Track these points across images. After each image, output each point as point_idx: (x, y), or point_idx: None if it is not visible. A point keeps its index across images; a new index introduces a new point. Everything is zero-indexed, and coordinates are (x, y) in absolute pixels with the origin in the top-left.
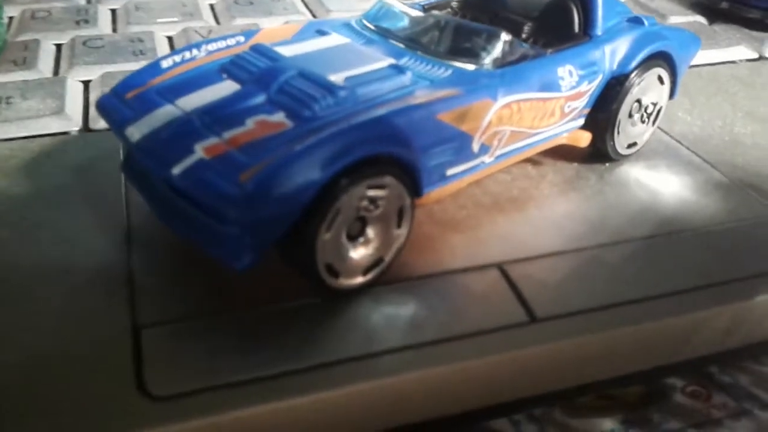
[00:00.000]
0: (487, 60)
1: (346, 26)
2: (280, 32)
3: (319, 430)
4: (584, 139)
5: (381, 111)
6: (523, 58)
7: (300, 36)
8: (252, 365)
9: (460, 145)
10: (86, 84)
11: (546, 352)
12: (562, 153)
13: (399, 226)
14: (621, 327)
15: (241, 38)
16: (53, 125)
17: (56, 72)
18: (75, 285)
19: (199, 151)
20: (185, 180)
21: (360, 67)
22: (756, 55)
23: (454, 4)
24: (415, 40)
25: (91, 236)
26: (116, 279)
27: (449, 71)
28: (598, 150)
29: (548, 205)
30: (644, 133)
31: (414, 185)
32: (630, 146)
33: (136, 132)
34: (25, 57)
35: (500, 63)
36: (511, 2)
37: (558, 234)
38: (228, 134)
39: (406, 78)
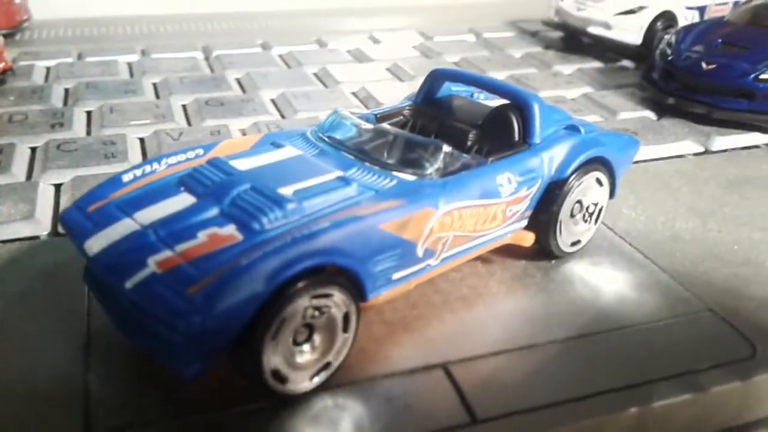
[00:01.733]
0: (429, 170)
1: (302, 136)
2: (238, 144)
3: None
4: (528, 239)
5: (325, 224)
6: (465, 167)
7: (256, 149)
8: None
9: (403, 252)
10: (57, 187)
11: None
12: (511, 250)
13: (345, 330)
14: (558, 426)
15: (201, 151)
16: (23, 230)
17: (29, 176)
18: (32, 393)
19: (152, 264)
20: (137, 293)
21: (308, 179)
22: (702, 149)
23: (406, 112)
24: (363, 152)
25: (51, 343)
26: (73, 387)
27: (393, 182)
28: (543, 248)
29: (495, 303)
30: (587, 231)
31: (359, 291)
32: (573, 244)
33: (95, 245)
34: (0, 161)
35: (442, 173)
36: (458, 111)
37: (503, 332)
38: (180, 247)
39: (352, 189)
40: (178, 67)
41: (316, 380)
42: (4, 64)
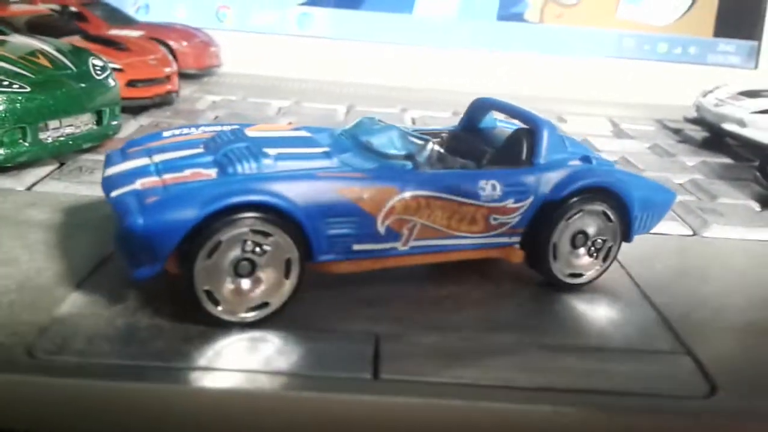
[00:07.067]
0: (411, 160)
1: (328, 131)
2: (273, 126)
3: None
4: (516, 255)
5: (280, 173)
6: (449, 168)
7: (280, 128)
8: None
9: (361, 223)
10: None
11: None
12: (515, 276)
13: (286, 276)
14: (451, 399)
15: (236, 127)
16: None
17: None
18: (26, 281)
19: (138, 183)
20: (115, 201)
21: (297, 149)
22: None
23: (444, 134)
24: (365, 143)
25: (73, 255)
26: (58, 291)
27: (374, 164)
28: (537, 272)
29: (463, 301)
30: (590, 267)
31: (306, 246)
32: (573, 276)
33: (111, 171)
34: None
35: (423, 166)
36: (489, 137)
37: (447, 318)
38: (166, 176)
39: (330, 162)
40: (316, 114)
41: (252, 315)
42: (171, 86)
